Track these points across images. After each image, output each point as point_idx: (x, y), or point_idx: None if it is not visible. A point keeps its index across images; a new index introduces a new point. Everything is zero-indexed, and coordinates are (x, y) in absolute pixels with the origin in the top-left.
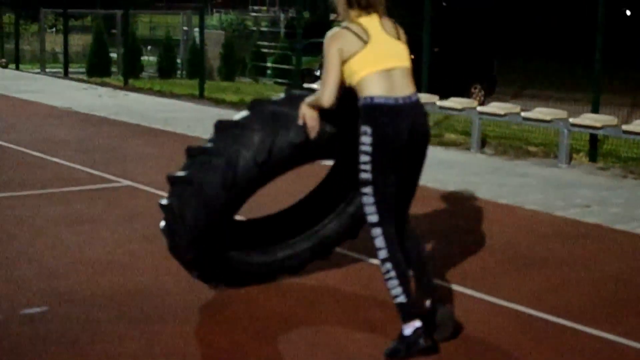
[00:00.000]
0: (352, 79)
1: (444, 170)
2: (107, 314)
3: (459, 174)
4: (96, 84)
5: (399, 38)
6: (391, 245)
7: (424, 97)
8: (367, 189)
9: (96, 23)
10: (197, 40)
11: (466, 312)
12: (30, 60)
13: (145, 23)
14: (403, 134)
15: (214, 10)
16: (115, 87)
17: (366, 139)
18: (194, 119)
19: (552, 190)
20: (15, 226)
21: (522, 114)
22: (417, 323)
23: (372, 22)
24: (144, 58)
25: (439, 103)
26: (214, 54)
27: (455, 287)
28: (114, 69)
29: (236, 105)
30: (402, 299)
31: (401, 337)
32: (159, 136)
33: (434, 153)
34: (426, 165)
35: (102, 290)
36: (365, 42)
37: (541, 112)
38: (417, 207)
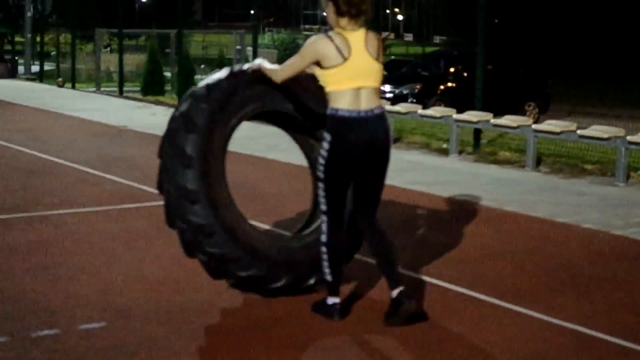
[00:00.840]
0: (325, 86)
1: (498, 188)
2: (164, 330)
3: (513, 193)
4: (150, 102)
5: (377, 58)
6: (332, 233)
7: (478, 115)
8: (320, 185)
9: (150, 42)
10: (250, 59)
11: (523, 332)
12: (85, 79)
13: (197, 42)
14: (360, 143)
15: (266, 29)
16: (169, 105)
17: (325, 145)
18: (247, 137)
19: (609, 209)
20: (73, 243)
21: (579, 131)
22: (336, 300)
23: (357, 38)
24: (197, 77)
25: (493, 121)
26: None
27: (512, 306)
28: (167, 87)
29: None
30: (329, 277)
31: (324, 302)
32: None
33: (488, 171)
34: (480, 184)
35: (159, 306)
36: (345, 59)
37: (598, 130)
38: (472, 226)
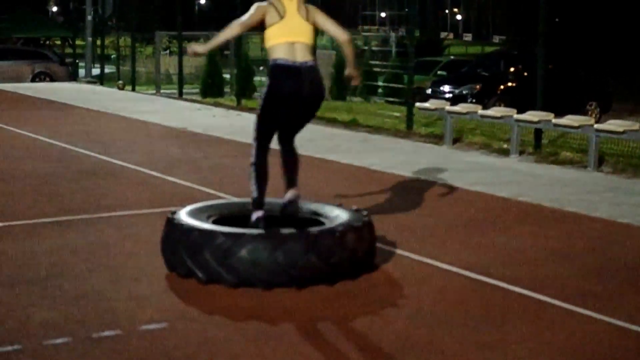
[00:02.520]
0: (267, 44)
1: (560, 188)
2: (224, 332)
3: (575, 193)
4: (210, 104)
5: (307, 20)
6: (258, 156)
7: (539, 115)
8: (255, 118)
9: None
10: None
11: (587, 334)
12: (145, 82)
13: (256, 44)
14: (294, 88)
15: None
16: (228, 107)
17: (264, 89)
18: (306, 138)
19: None
20: (134, 244)
21: None
22: (260, 213)
23: (291, 4)
24: (256, 78)
25: (555, 121)
26: (325, 74)
27: (575, 308)
28: (227, 89)
29: (348, 125)
30: (254, 194)
31: (250, 221)
32: (272, 156)
33: (549, 172)
34: (541, 185)
35: (219, 308)
36: (281, 18)
37: None
38: (533, 227)
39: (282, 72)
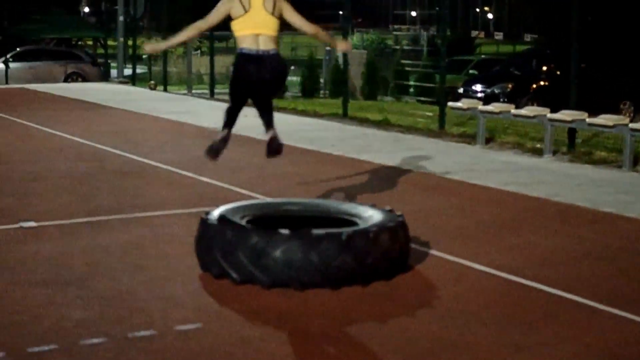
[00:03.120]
0: (234, 34)
1: (594, 189)
2: (259, 332)
3: (610, 193)
4: (245, 105)
5: (273, 14)
6: (228, 113)
7: (573, 114)
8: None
9: None
10: (340, 60)
11: (623, 336)
12: (177, 82)
13: (287, 44)
14: (256, 72)
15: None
16: None
17: (231, 73)
18: (338, 138)
19: None
20: (167, 244)
21: None
22: (224, 132)
23: None
24: (288, 78)
25: (589, 120)
26: (356, 73)
27: (611, 309)
28: None
29: (380, 124)
30: (221, 125)
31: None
32: (304, 155)
33: (583, 171)
34: (575, 184)
35: (253, 308)
36: (246, 11)
37: None
38: (567, 227)
39: (245, 60)
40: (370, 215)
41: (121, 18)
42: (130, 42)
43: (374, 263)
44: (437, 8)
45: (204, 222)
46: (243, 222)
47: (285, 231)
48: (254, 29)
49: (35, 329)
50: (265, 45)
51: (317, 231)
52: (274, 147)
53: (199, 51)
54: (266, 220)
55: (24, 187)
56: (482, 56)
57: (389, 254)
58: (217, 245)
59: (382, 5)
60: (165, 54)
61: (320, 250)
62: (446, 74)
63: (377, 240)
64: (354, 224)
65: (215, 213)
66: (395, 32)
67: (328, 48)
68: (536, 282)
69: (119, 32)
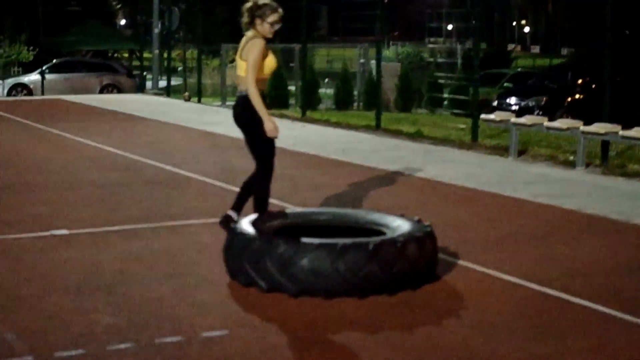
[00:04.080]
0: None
1: (627, 201)
2: (285, 340)
3: None
4: (274, 116)
5: (241, 57)
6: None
7: (606, 127)
8: None
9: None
10: (374, 72)
11: None
12: (211, 93)
13: (322, 56)
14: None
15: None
16: (293, 118)
17: None
18: (370, 150)
19: None
20: (197, 253)
21: None
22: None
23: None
24: (322, 90)
25: (622, 132)
26: (390, 86)
27: None
28: (292, 101)
29: (413, 137)
30: None
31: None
32: (336, 166)
33: (615, 184)
34: (607, 197)
35: (280, 316)
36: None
37: None
38: (598, 239)
39: None
40: (399, 225)
41: (156, 30)
42: (165, 55)
43: (401, 273)
44: (474, 21)
45: (233, 231)
46: (271, 231)
47: (312, 240)
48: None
49: (64, 334)
50: (240, 87)
51: (344, 241)
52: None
53: (234, 63)
54: (295, 229)
55: (58, 196)
56: (518, 69)
57: (416, 263)
58: (245, 254)
59: (418, 19)
60: (199, 66)
61: (347, 260)
62: (479, 86)
63: (405, 250)
64: (382, 233)
65: (244, 222)
66: (430, 45)
67: (362, 60)
68: (565, 293)
69: (154, 45)
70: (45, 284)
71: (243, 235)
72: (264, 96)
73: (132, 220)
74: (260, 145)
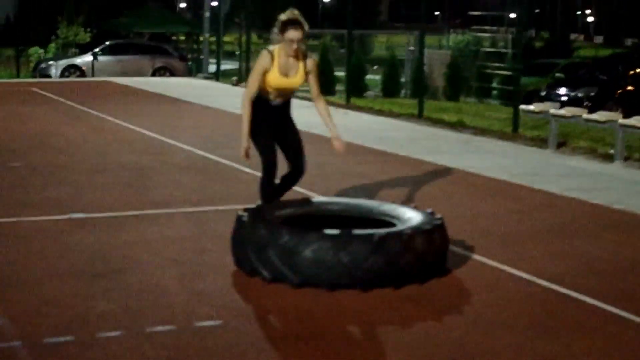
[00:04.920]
0: None
1: None
2: (278, 332)
3: None
4: None
5: None
6: None
7: None
8: None
9: (321, 43)
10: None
11: None
12: None
13: (381, 43)
14: None
15: (451, 30)
16: (337, 105)
17: None
18: (408, 138)
19: None
20: (209, 240)
21: None
22: None
23: None
24: (369, 77)
25: None
26: (439, 74)
27: None
28: (340, 87)
29: (454, 126)
30: None
31: None
32: (370, 155)
33: None
34: None
35: (279, 307)
36: None
37: None
38: (622, 237)
39: None
40: (410, 217)
41: (207, 14)
42: (225, 38)
43: (407, 266)
44: (537, 10)
45: (239, 219)
46: (279, 220)
47: (317, 230)
48: None
49: (58, 319)
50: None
51: (348, 232)
52: None
53: None
54: (305, 219)
55: (85, 178)
56: (575, 59)
57: (423, 257)
58: (249, 243)
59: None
60: (247, 50)
61: (351, 251)
62: (520, 76)
63: (411, 243)
64: (393, 225)
65: (253, 210)
66: (479, 34)
67: (411, 48)
68: (574, 291)
69: (204, 28)
70: (48, 268)
71: (248, 223)
72: (269, 105)
73: (152, 205)
74: (255, 145)
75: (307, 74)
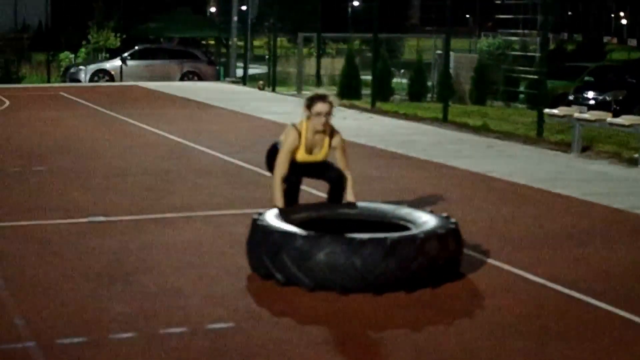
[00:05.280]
0: None
1: None
2: (289, 335)
3: None
4: (345, 106)
5: None
6: None
7: None
8: None
9: (348, 47)
10: (451, 64)
11: None
12: (289, 82)
13: (412, 47)
14: None
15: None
16: (362, 109)
17: None
18: (431, 143)
19: None
20: (226, 244)
21: None
22: None
23: None
24: (396, 80)
25: None
26: (466, 78)
27: None
28: (366, 91)
29: (478, 130)
30: None
31: None
32: (392, 159)
33: None
34: None
35: (291, 310)
36: None
37: None
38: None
39: None
40: (425, 221)
41: (235, 19)
42: (256, 42)
43: (420, 270)
44: (569, 13)
45: (254, 223)
46: (294, 224)
47: (331, 234)
48: None
49: (73, 321)
50: None
51: (361, 236)
52: None
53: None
54: (321, 223)
55: (106, 182)
56: (605, 63)
57: (436, 261)
58: (264, 246)
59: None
60: (274, 54)
61: (364, 255)
62: (546, 79)
63: (424, 247)
64: (408, 229)
65: (268, 214)
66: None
67: (438, 51)
68: (588, 296)
69: (232, 33)
70: (66, 271)
71: (263, 227)
72: (298, 166)
73: (172, 209)
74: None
75: (331, 148)
